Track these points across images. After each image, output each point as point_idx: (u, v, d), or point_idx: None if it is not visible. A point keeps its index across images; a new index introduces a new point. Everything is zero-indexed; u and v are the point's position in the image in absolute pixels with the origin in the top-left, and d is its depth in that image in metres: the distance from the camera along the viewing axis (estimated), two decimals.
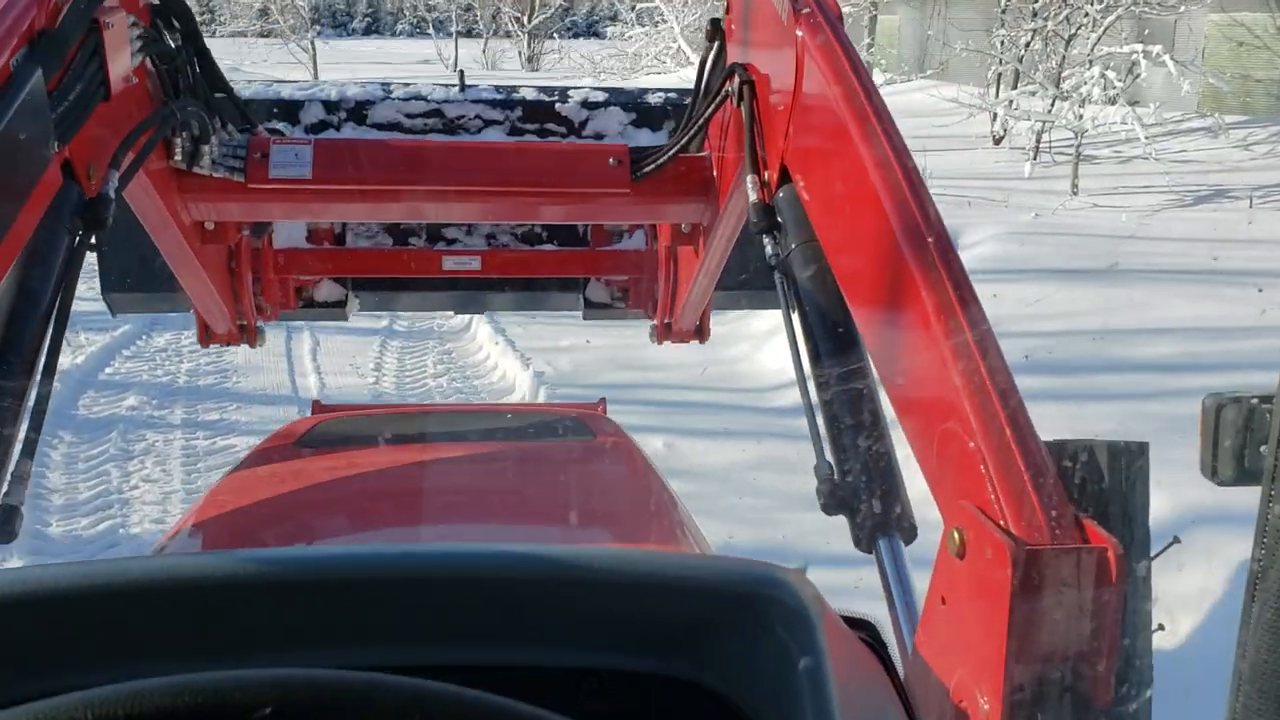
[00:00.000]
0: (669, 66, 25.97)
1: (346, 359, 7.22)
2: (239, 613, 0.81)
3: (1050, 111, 11.00)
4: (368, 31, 64.32)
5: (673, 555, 1.06)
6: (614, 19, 38.00)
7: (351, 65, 31.64)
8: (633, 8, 29.39)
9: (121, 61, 1.88)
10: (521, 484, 2.10)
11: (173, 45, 2.15)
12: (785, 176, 1.80)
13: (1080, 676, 1.01)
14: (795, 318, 1.68)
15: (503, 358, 7.02)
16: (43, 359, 1.53)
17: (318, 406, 3.18)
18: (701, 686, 0.80)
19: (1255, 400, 0.86)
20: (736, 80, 2.03)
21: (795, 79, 1.72)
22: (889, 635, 1.19)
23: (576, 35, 45.57)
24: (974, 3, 16.32)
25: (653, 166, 2.40)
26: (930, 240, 1.31)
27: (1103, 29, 9.95)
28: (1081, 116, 9.83)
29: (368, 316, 7.39)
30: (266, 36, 31.88)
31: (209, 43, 2.30)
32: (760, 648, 0.81)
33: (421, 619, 0.81)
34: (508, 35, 35.62)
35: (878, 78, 13.35)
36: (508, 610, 0.81)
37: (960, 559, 1.07)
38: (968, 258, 7.68)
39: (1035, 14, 12.07)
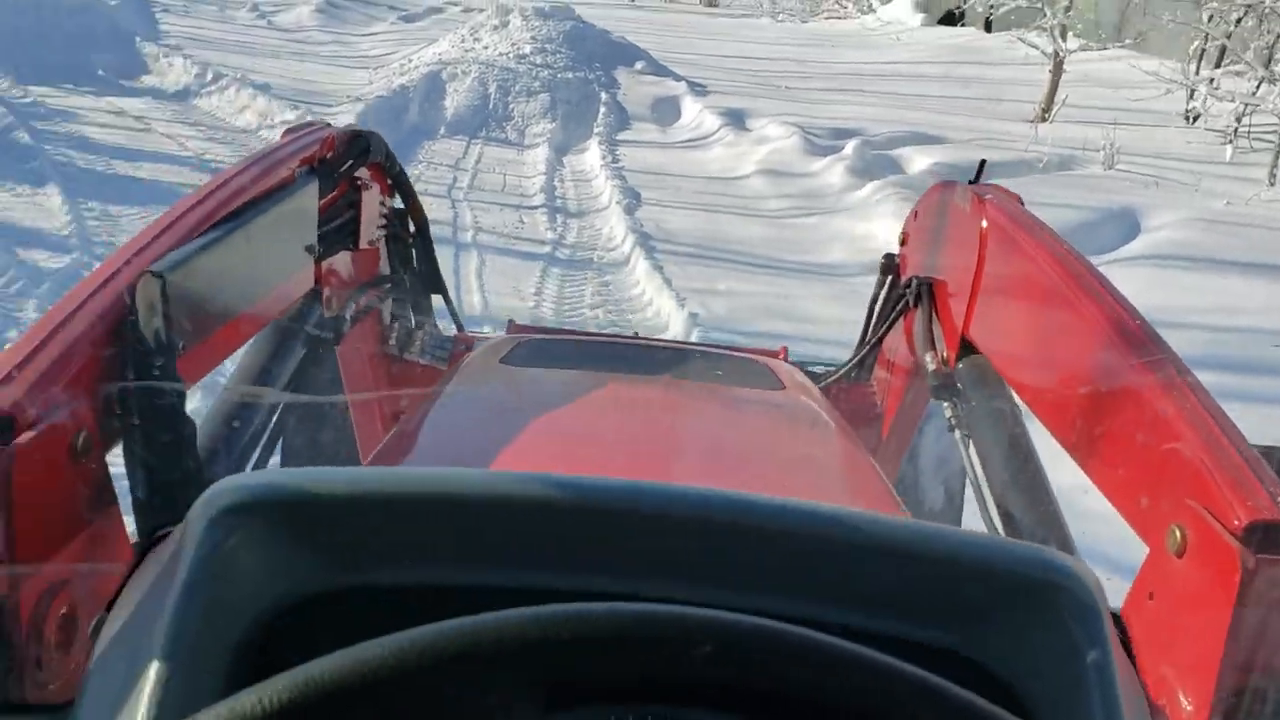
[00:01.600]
0: (849, 11, 25.37)
1: None
2: (556, 533, 0.85)
3: (1255, 94, 10.38)
4: None
5: (963, 532, 1.08)
6: None
7: None
8: None
9: (370, 224, 2.24)
10: (725, 428, 2.11)
11: (408, 241, 2.49)
12: (965, 351, 1.91)
13: None
14: (980, 474, 1.74)
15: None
16: (261, 446, 1.70)
17: (513, 326, 3.23)
18: (983, 667, 0.80)
19: None
20: (914, 284, 2.14)
21: (979, 258, 1.85)
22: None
23: None
24: None
25: (823, 385, 2.43)
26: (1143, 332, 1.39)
27: None
28: None
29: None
30: None
31: None
32: (1047, 637, 0.80)
33: (716, 562, 0.83)
34: None
35: (1072, 44, 12.84)
36: (791, 563, 0.83)
37: (1179, 557, 1.05)
38: (1148, 241, 7.40)
39: None
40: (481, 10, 15.70)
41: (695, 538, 0.83)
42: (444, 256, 7.16)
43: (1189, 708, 0.99)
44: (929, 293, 2.09)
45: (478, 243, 7.57)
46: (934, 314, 2.06)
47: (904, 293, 2.20)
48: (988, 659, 0.80)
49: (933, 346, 1.99)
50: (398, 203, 2.47)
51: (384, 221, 2.35)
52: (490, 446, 1.70)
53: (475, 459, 1.62)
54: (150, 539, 0.95)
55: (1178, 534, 1.06)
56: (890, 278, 2.42)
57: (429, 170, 9.58)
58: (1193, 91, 11.94)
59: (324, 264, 1.96)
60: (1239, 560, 0.96)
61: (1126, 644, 1.00)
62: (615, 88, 13.05)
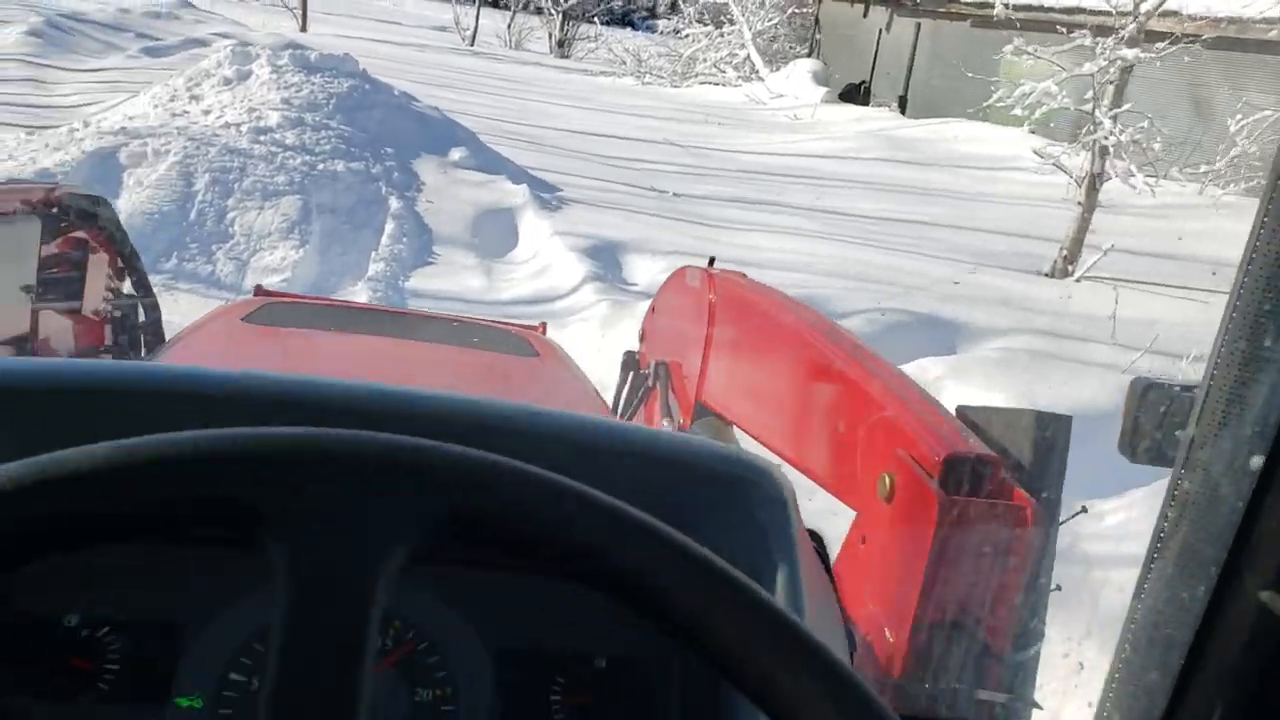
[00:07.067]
0: (729, 78, 21.27)
1: None
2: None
3: None
4: None
5: (670, 434, 1.12)
6: (652, 12, 33.33)
7: (353, 21, 26.88)
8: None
9: (95, 295, 2.39)
10: (468, 386, 2.06)
11: (135, 325, 2.59)
12: (699, 414, 2.15)
13: (981, 623, 1.11)
14: None
15: None
16: None
17: (259, 290, 3.26)
18: None
19: (1178, 388, 0.86)
20: (653, 367, 2.45)
21: (708, 327, 2.13)
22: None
23: (613, 23, 40.79)
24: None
25: None
26: (845, 344, 1.64)
27: None
28: None
29: None
30: None
31: None
32: (744, 528, 0.88)
33: None
34: (539, 11, 30.81)
35: (1120, 166, 8.84)
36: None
37: (887, 502, 1.20)
38: None
39: None
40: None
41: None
42: None
43: (891, 640, 1.10)
44: (666, 373, 2.36)
45: None
46: (670, 390, 2.31)
47: (644, 377, 2.50)
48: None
49: (669, 416, 2.24)
50: (129, 289, 2.53)
51: (112, 297, 2.43)
52: None
53: None
54: None
55: (887, 481, 1.20)
56: (632, 372, 2.73)
57: None
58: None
59: (41, 315, 2.05)
60: (935, 497, 1.10)
61: (826, 563, 1.10)
62: (415, 190, 8.29)
